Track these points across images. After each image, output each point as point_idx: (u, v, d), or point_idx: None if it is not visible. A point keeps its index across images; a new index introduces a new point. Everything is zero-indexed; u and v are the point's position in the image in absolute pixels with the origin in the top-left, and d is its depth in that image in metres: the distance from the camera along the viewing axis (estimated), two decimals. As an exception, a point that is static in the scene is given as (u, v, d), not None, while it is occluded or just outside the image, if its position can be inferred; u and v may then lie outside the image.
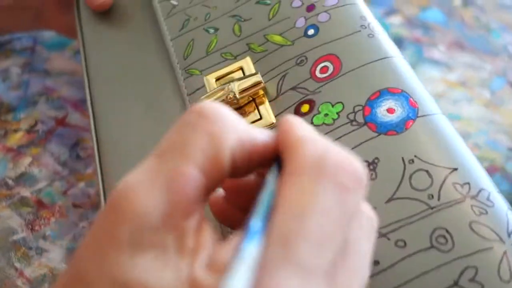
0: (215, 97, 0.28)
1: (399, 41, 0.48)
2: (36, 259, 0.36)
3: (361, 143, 0.25)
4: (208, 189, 0.19)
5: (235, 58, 0.31)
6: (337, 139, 0.26)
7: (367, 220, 0.19)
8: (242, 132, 0.19)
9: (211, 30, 0.32)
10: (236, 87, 0.28)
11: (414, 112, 0.25)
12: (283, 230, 0.16)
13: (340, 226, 0.17)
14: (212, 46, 0.31)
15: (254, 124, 0.28)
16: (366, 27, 0.29)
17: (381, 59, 0.27)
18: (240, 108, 0.29)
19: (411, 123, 0.25)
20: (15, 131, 0.43)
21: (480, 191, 0.23)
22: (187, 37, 0.32)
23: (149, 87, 0.32)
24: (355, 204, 0.18)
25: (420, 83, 0.27)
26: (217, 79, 0.30)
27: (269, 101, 0.28)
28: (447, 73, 0.47)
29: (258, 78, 0.28)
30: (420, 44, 0.49)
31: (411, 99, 0.26)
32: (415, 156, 0.24)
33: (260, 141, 0.20)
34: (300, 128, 0.19)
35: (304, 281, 0.15)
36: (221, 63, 0.31)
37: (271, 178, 0.19)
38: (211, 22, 0.32)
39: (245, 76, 0.29)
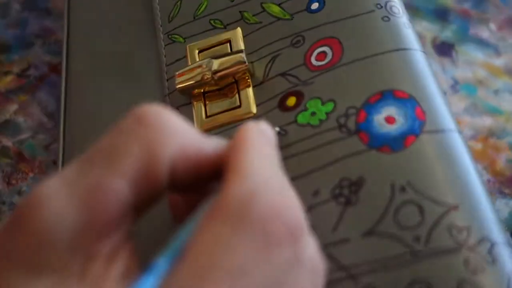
0: (191, 75, 0.24)
1: (443, 13, 0.42)
2: (7, 215, 0.34)
3: (346, 156, 0.21)
4: (139, 205, 0.16)
5: (225, 27, 0.26)
6: (319, 146, 0.21)
7: (311, 269, 0.16)
8: (187, 141, 0.16)
9: (203, -10, 0.27)
10: (215, 65, 0.23)
11: (419, 126, 0.20)
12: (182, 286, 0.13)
13: (262, 285, 0.13)
14: (201, 10, 0.27)
15: (231, 112, 0.24)
16: (382, 7, 0.23)
17: (392, 50, 0.22)
18: (220, 90, 0.24)
19: (412, 140, 0.20)
20: (6, 73, 0.40)
21: (482, 240, 0.18)
22: (176, -5, 0.28)
23: (128, 48, 0.28)
24: (288, 257, 0.14)
25: (437, 88, 0.22)
26: (200, 50, 0.26)
27: (254, 86, 0.24)
28: (493, 57, 0.40)
29: (241, 58, 0.23)
30: (468, 19, 0.42)
31: (419, 108, 0.21)
32: (408, 182, 0.19)
33: (209, 152, 0.17)
34: (251, 147, 0.16)
35: None
36: (208, 31, 0.26)
37: (200, 208, 0.16)
38: (204, -20, 0.27)
39: (228, 53, 0.24)
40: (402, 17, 0.23)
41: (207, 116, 0.24)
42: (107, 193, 0.15)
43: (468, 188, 0.19)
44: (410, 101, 0.21)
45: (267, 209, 0.14)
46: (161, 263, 0.14)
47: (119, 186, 0.15)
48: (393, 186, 0.20)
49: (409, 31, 0.23)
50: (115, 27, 0.29)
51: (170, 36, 0.27)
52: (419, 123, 0.20)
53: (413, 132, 0.20)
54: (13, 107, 0.38)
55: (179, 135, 0.16)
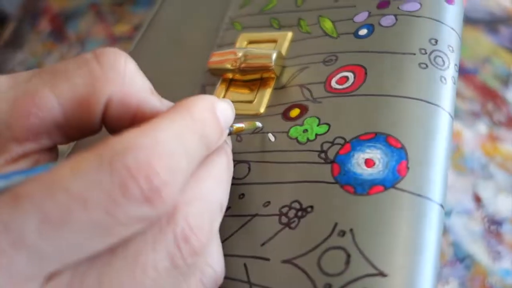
0: (222, 58, 0.25)
1: None
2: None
3: (310, 181, 0.20)
4: (67, 130, 0.17)
5: (280, 28, 0.26)
6: (294, 163, 0.21)
7: (176, 247, 0.15)
8: (131, 90, 0.17)
9: (279, -11, 0.28)
10: (243, 56, 0.24)
11: (393, 179, 0.18)
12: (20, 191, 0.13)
13: (96, 223, 0.13)
14: (269, 6, 0.27)
15: (242, 104, 0.24)
16: (425, 53, 0.21)
17: (411, 98, 0.20)
18: (245, 82, 0.25)
19: (378, 190, 0.18)
20: (126, 23, 0.45)
21: (392, 320, 0.16)
22: (256, -13, 0.28)
23: (200, 24, 0.30)
24: (138, 216, 0.14)
25: (443, 154, 0.19)
26: (250, 42, 0.26)
27: (274, 88, 0.24)
28: None
29: (269, 58, 0.23)
30: None
31: (405, 162, 0.19)
32: (351, 229, 0.18)
33: (149, 108, 0.17)
34: (182, 115, 0.16)
35: None
36: (264, 27, 0.27)
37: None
38: (285, -19, 0.28)
39: (262, 49, 0.24)
40: (444, 70, 0.21)
41: (222, 101, 0.25)
42: (35, 102, 0.16)
43: (411, 263, 0.17)
44: (399, 151, 0.19)
45: (137, 165, 0.14)
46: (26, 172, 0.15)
47: (49, 101, 0.16)
48: (335, 226, 0.18)
49: (443, 87, 0.21)
50: (198, 2, 0.31)
51: (232, 22, 0.28)
52: (396, 177, 0.18)
53: (383, 183, 0.18)
54: (116, 51, 0.43)
55: (125, 81, 0.17)
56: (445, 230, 0.35)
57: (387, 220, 0.18)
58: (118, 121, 0.17)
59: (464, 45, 0.43)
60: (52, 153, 0.18)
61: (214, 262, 0.17)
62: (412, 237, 0.17)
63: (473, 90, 0.40)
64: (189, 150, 0.16)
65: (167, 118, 0.15)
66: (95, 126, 0.17)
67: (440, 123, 0.20)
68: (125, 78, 0.17)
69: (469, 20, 0.44)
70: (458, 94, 0.40)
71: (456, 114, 0.39)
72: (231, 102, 0.19)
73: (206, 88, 0.26)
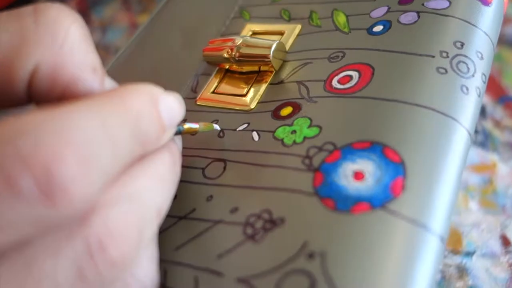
0: (219, 45, 0.22)
1: None
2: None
3: (286, 189, 0.16)
4: None
5: (289, 20, 0.23)
6: (273, 166, 0.17)
7: (88, 255, 0.12)
8: (68, 62, 0.14)
9: (295, -21, 0.25)
10: (241, 45, 0.21)
11: (383, 198, 0.15)
12: None
13: None
14: (281, -3, 0.25)
15: (234, 97, 0.21)
16: (446, 57, 0.18)
17: (422, 106, 0.17)
18: (241, 74, 0.22)
19: (363, 208, 0.15)
20: (150, 13, 0.43)
21: None
22: (271, -24, 0.26)
23: (209, 14, 0.27)
24: (35, 217, 0.11)
25: (453, 178, 0.16)
26: (255, 33, 0.24)
27: (270, 83, 0.21)
28: None
29: (268, 49, 0.21)
30: None
31: (401, 179, 0.15)
32: (322, 252, 0.15)
33: (83, 89, 0.14)
34: (114, 102, 0.13)
35: None
36: (273, 19, 0.24)
37: None
38: (303, -29, 0.25)
39: (262, 40, 0.21)
40: (467, 78, 0.18)
41: (213, 92, 0.22)
42: None
43: (390, 302, 0.13)
44: (396, 166, 0.16)
45: (35, 152, 0.11)
46: None
47: None
48: (304, 246, 0.15)
49: (464, 98, 0.17)
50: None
51: (241, 10, 0.25)
52: (387, 196, 0.15)
53: (371, 201, 0.15)
54: (136, 40, 0.41)
55: (62, 49, 0.14)
56: (465, 272, 0.31)
57: (368, 246, 0.14)
58: (45, 96, 0.14)
59: (509, 70, 0.39)
60: None
61: (143, 274, 0.14)
62: (398, 273, 0.14)
63: (515, 121, 0.36)
64: (116, 143, 0.13)
65: (93, 103, 0.13)
66: (18, 96, 0.14)
67: (454, 140, 0.16)
68: (63, 45, 0.14)
69: (518, 44, 0.40)
70: (497, 124, 0.36)
71: (493, 145, 0.35)
72: (180, 97, 0.16)
73: (199, 78, 0.23)
